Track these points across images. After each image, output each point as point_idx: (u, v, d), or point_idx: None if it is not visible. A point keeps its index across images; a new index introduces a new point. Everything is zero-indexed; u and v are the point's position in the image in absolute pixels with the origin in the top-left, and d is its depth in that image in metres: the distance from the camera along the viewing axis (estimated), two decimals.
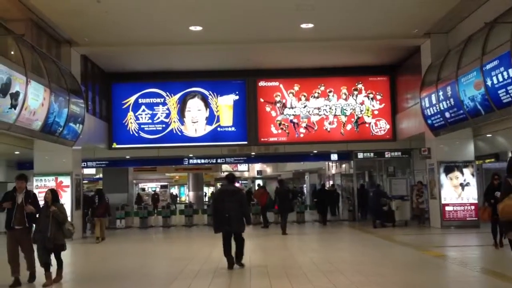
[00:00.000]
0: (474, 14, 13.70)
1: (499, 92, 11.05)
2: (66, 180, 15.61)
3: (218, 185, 44.31)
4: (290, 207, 17.57)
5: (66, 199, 15.49)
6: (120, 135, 19.72)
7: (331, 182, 27.38)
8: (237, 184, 44.57)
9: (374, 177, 23.44)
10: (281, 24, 14.56)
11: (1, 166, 19.67)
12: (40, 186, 15.44)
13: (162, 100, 19.77)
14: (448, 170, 15.62)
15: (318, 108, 19.77)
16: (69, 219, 8.62)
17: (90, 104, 17.71)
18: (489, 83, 11.31)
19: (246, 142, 19.87)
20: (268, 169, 41.64)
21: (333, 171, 27.73)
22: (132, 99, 19.75)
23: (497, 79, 10.99)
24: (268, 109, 19.83)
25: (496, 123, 13.50)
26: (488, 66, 11.30)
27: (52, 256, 8.22)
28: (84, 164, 19.18)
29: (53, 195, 8.26)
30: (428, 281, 7.90)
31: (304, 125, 19.76)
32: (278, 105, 19.79)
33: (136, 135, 19.69)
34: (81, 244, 14.95)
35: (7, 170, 19.95)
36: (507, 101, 10.85)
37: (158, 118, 19.72)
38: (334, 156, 21.74)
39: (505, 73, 10.70)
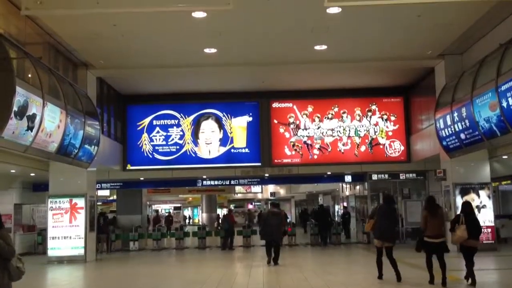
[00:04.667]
0: (488, 35, 13.68)
1: None
2: (81, 202, 15.67)
3: (231, 206, 44.29)
4: (330, 225, 20.76)
5: (80, 221, 15.57)
6: (135, 156, 19.82)
7: (344, 204, 27.17)
8: (250, 206, 44.46)
9: None
10: (295, 46, 14.64)
11: (17, 188, 19.79)
12: (54, 208, 15.54)
13: (176, 121, 19.90)
14: (464, 192, 15.42)
15: (332, 129, 19.75)
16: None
17: (105, 125, 17.87)
18: (504, 104, 11.21)
19: (259, 164, 19.85)
20: (282, 191, 41.50)
21: (347, 192, 27.51)
22: (146, 120, 19.91)
23: None
24: (281, 130, 19.85)
25: None
26: (503, 87, 11.22)
27: None
28: (98, 186, 19.26)
29: None
30: None
31: (317, 146, 19.72)
32: (291, 126, 19.80)
33: (150, 156, 19.78)
34: (95, 266, 14.94)
35: (22, 192, 20.07)
36: None
37: (172, 139, 19.82)
38: (348, 178, 21.61)
39: None
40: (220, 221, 28.46)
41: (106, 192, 30.74)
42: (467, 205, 9.72)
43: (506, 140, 12.19)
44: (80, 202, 15.67)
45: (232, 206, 44.34)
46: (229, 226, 19.86)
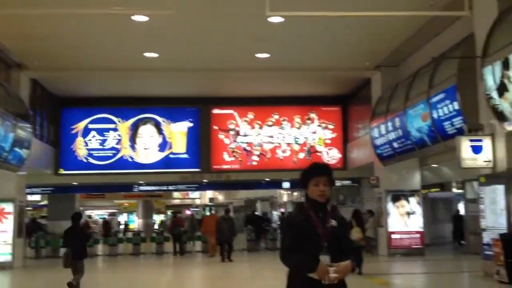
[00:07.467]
0: (422, 49, 14.25)
1: (444, 124, 11.48)
2: (9, 207, 14.91)
3: (169, 212, 43.71)
4: (265, 231, 20.97)
5: (8, 226, 14.85)
6: (68, 161, 19.18)
7: (282, 210, 27.49)
8: (188, 212, 44.16)
9: None
10: (237, 53, 14.71)
11: None
12: None
13: (113, 126, 19.43)
14: (395, 199, 15.93)
15: (271, 136, 19.91)
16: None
17: (38, 129, 17.22)
18: (435, 115, 11.74)
19: (198, 169, 19.72)
20: (220, 197, 41.42)
21: (285, 199, 27.87)
22: (82, 124, 19.32)
23: (443, 111, 11.44)
24: (221, 136, 19.81)
25: (441, 154, 13.92)
26: (435, 99, 11.75)
27: None
28: (29, 190, 18.48)
29: None
30: None
31: (257, 152, 19.82)
32: (231, 132, 19.81)
33: (85, 161, 19.21)
34: (22, 273, 14.34)
35: None
36: (452, 133, 11.27)
37: (109, 144, 19.34)
38: (286, 184, 21.81)
39: (450, 106, 11.15)
40: (162, 226, 28.14)
41: (37, 197, 29.56)
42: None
43: (436, 150, 12.75)
44: (8, 207, 14.91)
45: (169, 212, 43.77)
46: (179, 231, 19.54)
